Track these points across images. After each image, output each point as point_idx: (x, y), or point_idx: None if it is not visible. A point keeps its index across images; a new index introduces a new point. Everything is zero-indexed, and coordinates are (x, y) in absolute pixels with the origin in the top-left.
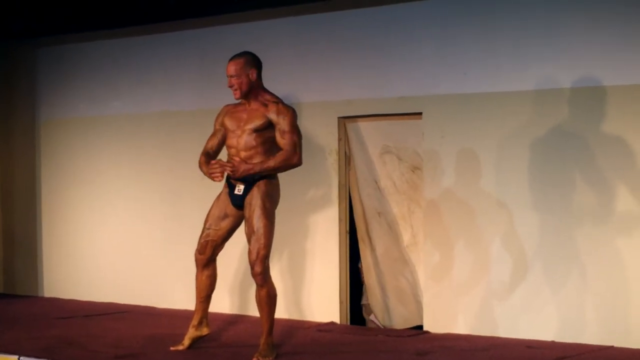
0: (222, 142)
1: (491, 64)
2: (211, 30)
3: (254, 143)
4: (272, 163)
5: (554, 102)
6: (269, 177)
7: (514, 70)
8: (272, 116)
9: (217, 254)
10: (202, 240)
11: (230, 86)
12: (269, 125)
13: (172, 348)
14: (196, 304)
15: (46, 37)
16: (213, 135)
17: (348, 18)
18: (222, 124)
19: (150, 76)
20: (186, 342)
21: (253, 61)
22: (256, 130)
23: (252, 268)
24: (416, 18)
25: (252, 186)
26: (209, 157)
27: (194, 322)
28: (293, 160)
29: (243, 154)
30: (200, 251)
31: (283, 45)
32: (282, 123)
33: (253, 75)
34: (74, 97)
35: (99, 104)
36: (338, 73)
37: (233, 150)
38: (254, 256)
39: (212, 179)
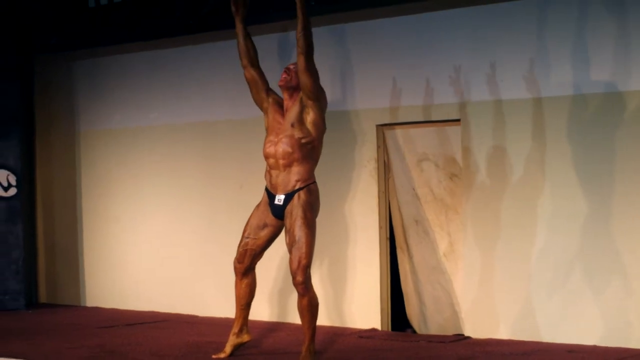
0: (259, 87)
1: (527, 70)
2: None
3: (291, 150)
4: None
5: (593, 107)
6: (309, 186)
7: (550, 76)
8: (299, 95)
9: (255, 263)
10: (241, 249)
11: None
12: (303, 109)
13: (214, 356)
14: (236, 312)
15: (83, 50)
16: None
17: (386, 26)
18: (268, 103)
19: (185, 87)
20: (228, 349)
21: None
22: (294, 126)
23: (294, 277)
24: (453, 26)
25: (292, 196)
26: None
27: (235, 329)
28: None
29: (281, 161)
30: (239, 260)
31: (321, 54)
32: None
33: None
34: (111, 108)
35: (135, 115)
36: (376, 81)
37: (271, 160)
38: (295, 265)
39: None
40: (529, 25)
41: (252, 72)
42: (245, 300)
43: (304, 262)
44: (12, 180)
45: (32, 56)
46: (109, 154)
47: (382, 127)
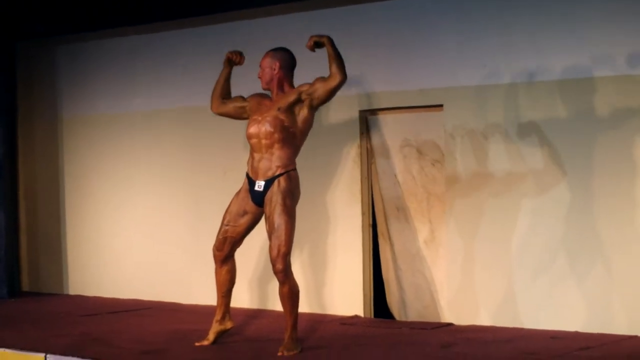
0: (237, 104)
1: (511, 55)
2: (230, 25)
3: (272, 129)
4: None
5: (575, 92)
6: (289, 173)
7: (533, 61)
8: (301, 88)
9: (235, 250)
10: (220, 237)
11: (260, 76)
12: (298, 101)
13: (197, 343)
14: (217, 299)
15: (66, 35)
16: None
17: (369, 11)
18: (250, 101)
19: (170, 72)
20: (211, 336)
21: (275, 55)
22: (280, 110)
23: (274, 265)
24: (436, 10)
25: (272, 182)
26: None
27: (217, 317)
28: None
29: (264, 141)
30: (218, 247)
31: (303, 39)
32: (310, 84)
33: (276, 68)
34: (95, 94)
35: (120, 100)
36: (359, 66)
37: (254, 140)
38: (275, 253)
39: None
40: (511, 9)
41: (230, 106)
42: (225, 287)
43: (283, 249)
44: None
45: (14, 43)
46: (92, 140)
47: (365, 113)
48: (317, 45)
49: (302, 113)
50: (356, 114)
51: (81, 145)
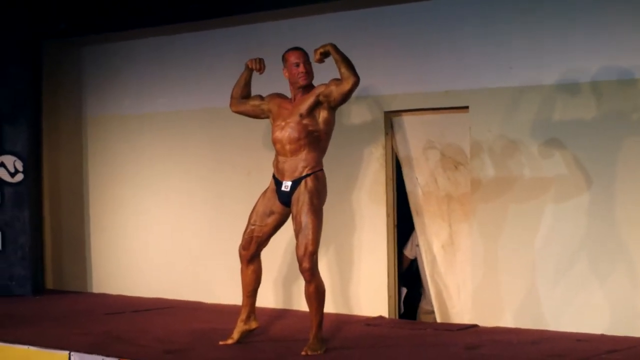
0: (255, 103)
1: (537, 57)
2: (255, 27)
3: (297, 135)
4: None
5: (602, 94)
6: (316, 173)
7: (560, 63)
8: (318, 90)
9: (261, 250)
10: (247, 237)
11: (302, 70)
12: (317, 104)
13: (221, 342)
14: (243, 299)
15: (92, 35)
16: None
17: (394, 13)
18: (269, 102)
19: (194, 73)
20: (235, 336)
21: (306, 53)
22: (302, 116)
23: (300, 264)
24: (462, 12)
25: (299, 182)
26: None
27: (242, 316)
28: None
29: (288, 146)
30: (244, 247)
31: (329, 40)
32: (326, 85)
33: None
34: (119, 94)
35: (144, 101)
36: (384, 68)
37: (278, 145)
38: (302, 252)
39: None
40: (538, 10)
41: (248, 105)
42: (251, 287)
43: (310, 248)
44: (19, 166)
45: (41, 42)
46: (116, 140)
47: (390, 114)
48: (324, 55)
49: (323, 115)
50: (381, 115)
51: (105, 144)
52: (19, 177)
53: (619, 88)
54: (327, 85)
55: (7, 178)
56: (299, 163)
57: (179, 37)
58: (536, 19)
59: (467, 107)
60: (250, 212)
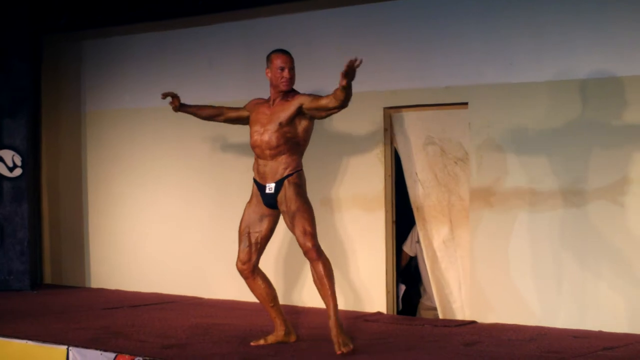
0: (234, 115)
1: (537, 52)
2: (256, 21)
3: (276, 142)
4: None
5: (602, 91)
6: (298, 172)
7: (562, 59)
8: (300, 100)
9: (259, 260)
10: (244, 248)
11: (286, 76)
12: (297, 113)
13: (252, 343)
14: (269, 313)
15: (91, 30)
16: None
17: (393, 8)
18: (247, 109)
19: (195, 68)
20: (270, 340)
21: (291, 56)
22: (282, 125)
23: (304, 245)
24: (462, 7)
25: (282, 182)
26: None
27: (281, 329)
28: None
29: (268, 151)
30: (243, 261)
31: (328, 36)
32: (311, 96)
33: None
34: (119, 88)
35: (144, 95)
36: (384, 63)
37: (258, 150)
38: (301, 234)
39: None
40: (538, 6)
41: (229, 114)
42: (269, 297)
43: (309, 229)
44: (18, 160)
45: (41, 36)
46: (115, 134)
47: (389, 110)
48: (349, 76)
49: (303, 124)
50: (380, 111)
51: (105, 139)
52: (18, 171)
53: (622, 85)
54: (313, 98)
55: (5, 173)
56: (280, 165)
57: (179, 32)
58: (536, 15)
59: (466, 104)
60: (239, 226)
